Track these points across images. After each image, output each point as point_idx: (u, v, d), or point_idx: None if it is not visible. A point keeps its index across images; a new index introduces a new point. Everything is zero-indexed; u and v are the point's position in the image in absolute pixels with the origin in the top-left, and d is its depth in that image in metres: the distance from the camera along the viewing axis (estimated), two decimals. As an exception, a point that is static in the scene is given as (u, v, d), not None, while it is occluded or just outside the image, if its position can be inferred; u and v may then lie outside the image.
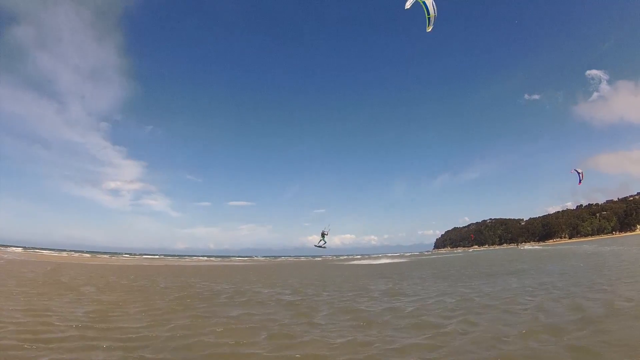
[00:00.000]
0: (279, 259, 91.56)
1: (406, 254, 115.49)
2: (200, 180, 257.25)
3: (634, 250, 26.08)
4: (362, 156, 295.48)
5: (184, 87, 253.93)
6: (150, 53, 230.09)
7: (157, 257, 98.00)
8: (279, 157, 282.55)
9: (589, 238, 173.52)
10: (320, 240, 29.16)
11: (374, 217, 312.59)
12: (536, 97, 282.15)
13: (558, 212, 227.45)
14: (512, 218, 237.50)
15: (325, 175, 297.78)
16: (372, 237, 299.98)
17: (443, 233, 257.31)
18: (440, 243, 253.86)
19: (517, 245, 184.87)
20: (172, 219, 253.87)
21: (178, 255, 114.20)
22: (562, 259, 23.48)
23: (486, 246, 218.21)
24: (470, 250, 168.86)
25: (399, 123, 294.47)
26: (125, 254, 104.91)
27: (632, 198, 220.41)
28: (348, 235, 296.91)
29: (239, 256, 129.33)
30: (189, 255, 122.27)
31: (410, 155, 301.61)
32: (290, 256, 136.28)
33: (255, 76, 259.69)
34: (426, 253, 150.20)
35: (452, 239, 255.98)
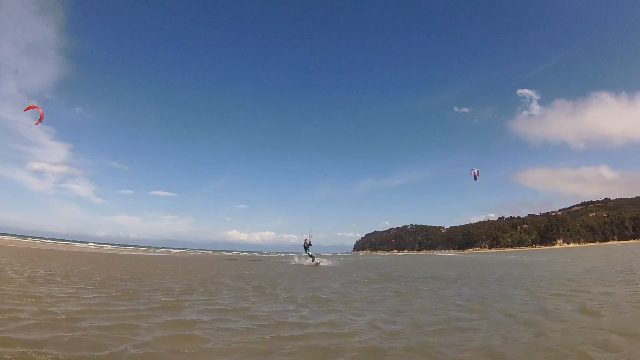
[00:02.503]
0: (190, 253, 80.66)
1: (338, 254, 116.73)
2: (125, 167, 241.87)
3: (563, 259, 29.34)
4: (287, 155, 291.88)
5: (119, 71, 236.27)
6: (90, 33, 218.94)
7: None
8: (205, 149, 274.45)
9: (509, 249, 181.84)
10: (308, 255, 26.66)
11: (295, 216, 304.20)
12: (465, 110, 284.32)
13: (479, 222, 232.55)
14: (434, 225, 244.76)
15: (249, 171, 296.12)
16: (292, 235, 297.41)
17: (363, 236, 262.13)
18: (360, 246, 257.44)
19: (434, 252, 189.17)
20: (94, 206, 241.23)
21: (95, 243, 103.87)
22: (503, 266, 23.83)
23: (405, 251, 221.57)
24: (401, 254, 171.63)
25: (327, 125, 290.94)
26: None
27: (554, 214, 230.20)
28: (268, 233, 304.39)
29: (147, 247, 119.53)
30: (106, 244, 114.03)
31: (335, 157, 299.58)
32: (209, 250, 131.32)
33: (190, 66, 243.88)
34: (346, 254, 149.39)
35: (372, 242, 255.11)
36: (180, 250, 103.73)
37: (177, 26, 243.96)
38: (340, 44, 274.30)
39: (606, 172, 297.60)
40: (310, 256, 25.63)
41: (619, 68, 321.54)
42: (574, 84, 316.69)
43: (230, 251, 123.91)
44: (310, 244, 25.75)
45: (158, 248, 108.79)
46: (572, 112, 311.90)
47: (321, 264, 24.33)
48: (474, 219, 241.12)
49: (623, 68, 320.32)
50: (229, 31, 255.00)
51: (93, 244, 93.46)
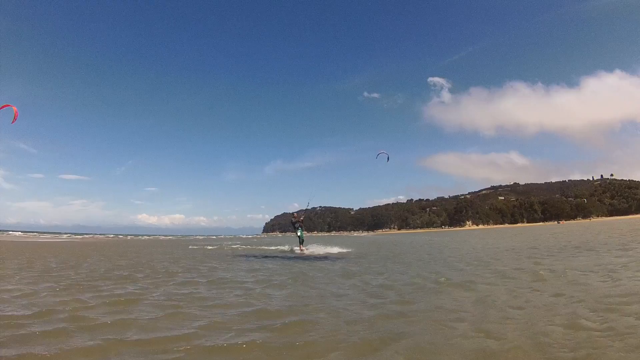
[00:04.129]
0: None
1: (244, 236, 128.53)
2: (35, 150, 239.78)
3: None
4: (196, 136, 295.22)
5: (27, 44, 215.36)
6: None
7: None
8: (114, 130, 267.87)
9: (418, 230, 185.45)
10: (298, 239, 21.87)
11: (204, 199, 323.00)
12: (376, 95, 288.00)
13: (389, 204, 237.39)
14: (342, 207, 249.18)
15: (159, 153, 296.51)
16: (202, 218, 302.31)
17: (273, 218, 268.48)
18: (269, 227, 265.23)
19: (350, 232, 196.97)
20: (3, 191, 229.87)
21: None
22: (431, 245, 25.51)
23: (315, 232, 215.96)
24: (308, 234, 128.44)
25: (236, 106, 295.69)
26: None
27: (463, 197, 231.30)
28: (178, 216, 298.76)
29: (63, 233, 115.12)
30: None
31: (245, 139, 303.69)
32: (120, 234, 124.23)
33: (99, 44, 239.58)
34: (257, 236, 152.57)
35: (282, 224, 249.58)
36: (96, 235, 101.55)
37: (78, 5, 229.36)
38: (251, 27, 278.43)
39: (516, 158, 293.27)
40: (299, 238, 20.83)
41: (536, 60, 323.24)
42: (489, 72, 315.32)
43: (142, 235, 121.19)
44: (301, 222, 20.78)
45: (80, 234, 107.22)
46: (487, 99, 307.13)
47: (306, 251, 20.17)
48: (384, 201, 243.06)
49: (540, 60, 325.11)
50: (136, 13, 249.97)
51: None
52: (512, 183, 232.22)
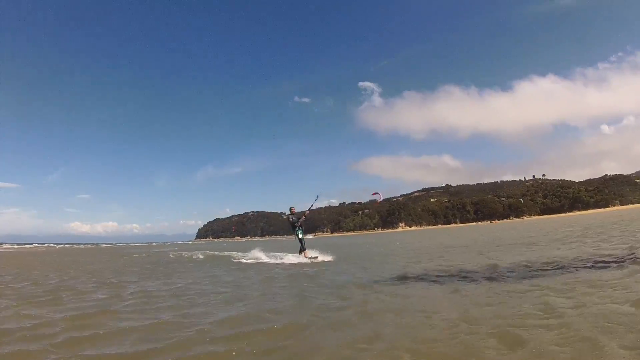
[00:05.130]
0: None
1: (181, 243, 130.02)
2: None
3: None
4: (127, 143, 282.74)
5: None
6: None
7: None
8: (44, 135, 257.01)
9: (351, 233, 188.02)
10: (300, 243, 16.70)
11: (137, 205, 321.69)
12: (306, 100, 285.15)
13: (321, 208, 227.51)
14: (275, 212, 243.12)
15: (90, 159, 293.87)
16: (135, 225, 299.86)
17: (205, 223, 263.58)
18: (203, 233, 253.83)
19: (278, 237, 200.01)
20: None
21: None
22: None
23: (248, 237, 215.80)
24: (245, 240, 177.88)
25: (165, 113, 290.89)
26: None
27: (395, 199, 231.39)
28: (111, 223, 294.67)
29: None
30: None
31: (175, 145, 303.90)
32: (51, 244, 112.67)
33: (26, 46, 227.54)
34: (189, 242, 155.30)
35: (214, 229, 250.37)
36: (35, 245, 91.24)
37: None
38: (180, 30, 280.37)
39: (449, 160, 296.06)
40: (300, 242, 16.43)
41: (469, 64, 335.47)
42: (423, 76, 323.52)
43: (81, 244, 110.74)
44: (301, 221, 16.83)
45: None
46: (420, 103, 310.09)
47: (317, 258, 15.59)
48: (318, 204, 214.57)
49: (474, 64, 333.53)
50: (60, 15, 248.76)
51: None
52: (444, 185, 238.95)
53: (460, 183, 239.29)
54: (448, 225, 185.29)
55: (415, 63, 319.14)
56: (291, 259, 15.88)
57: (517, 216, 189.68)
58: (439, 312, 4.79)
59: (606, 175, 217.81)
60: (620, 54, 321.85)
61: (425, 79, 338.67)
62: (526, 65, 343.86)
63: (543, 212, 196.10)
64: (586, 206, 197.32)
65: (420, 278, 8.06)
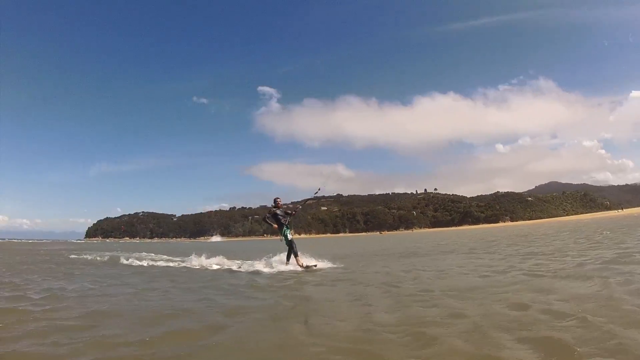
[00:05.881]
0: None
1: (75, 241, 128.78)
2: None
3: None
4: (18, 133, 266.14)
5: None
6: None
7: None
8: None
9: (240, 238, 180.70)
10: (291, 245, 12.80)
11: (27, 200, 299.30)
12: (204, 100, 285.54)
13: (212, 211, 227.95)
14: (165, 213, 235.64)
15: None
16: (25, 220, 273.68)
17: (95, 222, 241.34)
18: (92, 232, 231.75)
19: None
20: None
21: None
22: None
23: (137, 239, 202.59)
24: (137, 241, 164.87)
25: (60, 104, 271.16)
26: None
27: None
28: (1, 217, 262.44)
29: None
30: None
31: (67, 138, 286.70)
32: None
33: None
34: (81, 241, 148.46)
35: (104, 229, 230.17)
36: None
37: None
38: (76, 20, 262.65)
39: (342, 170, 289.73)
40: (290, 245, 12.61)
41: (371, 77, 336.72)
42: (324, 85, 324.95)
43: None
44: (289, 218, 13.23)
45: None
46: (320, 111, 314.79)
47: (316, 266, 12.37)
48: (207, 208, 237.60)
49: (376, 77, 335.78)
50: None
51: None
52: (335, 194, 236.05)
53: (352, 193, 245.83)
54: (337, 235, 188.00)
55: (317, 71, 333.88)
56: (280, 267, 12.53)
57: (406, 228, 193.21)
58: (343, 316, 5.31)
59: (498, 192, 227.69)
60: (521, 77, 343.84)
61: (327, 87, 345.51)
62: (428, 82, 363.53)
63: (433, 225, 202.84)
64: (476, 221, 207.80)
65: (319, 283, 8.70)
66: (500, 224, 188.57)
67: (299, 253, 12.33)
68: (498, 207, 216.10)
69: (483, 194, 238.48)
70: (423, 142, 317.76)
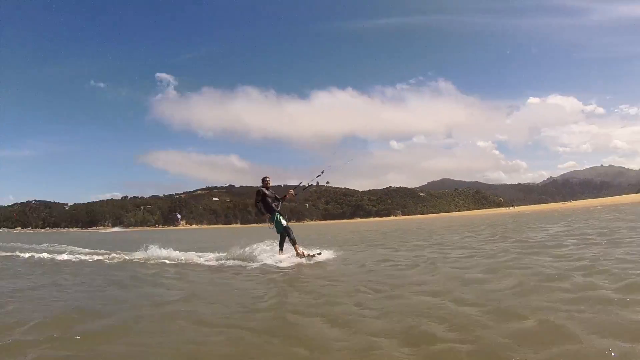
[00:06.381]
0: None
1: None
2: None
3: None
4: None
5: None
6: None
7: None
8: None
9: (132, 228, 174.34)
10: (286, 233, 10.80)
11: None
12: (102, 85, 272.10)
13: (104, 200, 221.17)
14: (57, 202, 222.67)
15: None
16: None
17: None
18: None
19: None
20: None
21: None
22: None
23: (30, 229, 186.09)
24: (31, 230, 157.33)
25: None
26: None
27: (178, 196, 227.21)
28: None
29: None
30: None
31: None
32: None
33: None
34: None
35: None
36: None
37: None
38: None
39: (236, 161, 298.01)
40: (285, 232, 10.56)
41: (270, 68, 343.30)
42: (224, 74, 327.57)
43: None
44: (280, 200, 11.26)
45: None
46: (218, 100, 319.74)
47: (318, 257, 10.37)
48: (100, 196, 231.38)
49: (274, 69, 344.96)
50: None
51: None
52: (227, 185, 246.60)
53: (245, 184, 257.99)
54: (229, 225, 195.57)
55: (217, 60, 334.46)
56: (280, 258, 10.30)
57: (298, 220, 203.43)
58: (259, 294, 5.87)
59: (390, 187, 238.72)
60: (420, 77, 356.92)
61: (226, 77, 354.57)
62: (327, 76, 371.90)
63: (324, 218, 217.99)
64: (368, 214, 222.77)
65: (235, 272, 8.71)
66: (392, 218, 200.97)
67: (281, 241, 10.81)
68: (390, 202, 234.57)
69: (375, 188, 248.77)
70: (318, 135, 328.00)
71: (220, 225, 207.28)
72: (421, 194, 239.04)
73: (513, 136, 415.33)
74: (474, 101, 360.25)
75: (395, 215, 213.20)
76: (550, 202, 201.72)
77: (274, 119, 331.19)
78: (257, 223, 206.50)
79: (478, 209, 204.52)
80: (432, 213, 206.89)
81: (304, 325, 4.06)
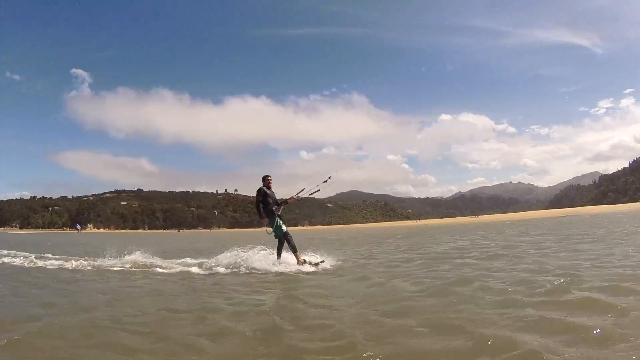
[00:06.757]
0: None
1: None
2: None
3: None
4: None
5: None
6: None
7: None
8: None
9: (40, 230, 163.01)
10: (285, 237, 9.67)
11: None
12: (17, 77, 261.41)
13: (12, 199, 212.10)
14: None
15: None
16: None
17: None
18: None
19: None
20: None
21: None
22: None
23: None
24: None
25: None
26: None
27: (87, 198, 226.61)
28: None
29: None
30: None
31: None
32: None
33: None
34: None
35: None
36: None
37: None
38: None
39: (146, 164, 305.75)
40: (285, 238, 9.49)
41: (186, 72, 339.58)
42: (140, 75, 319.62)
43: None
44: (280, 204, 10.07)
45: None
46: (133, 101, 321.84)
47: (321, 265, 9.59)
48: (10, 195, 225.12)
49: (193, 74, 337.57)
50: None
51: None
52: (136, 189, 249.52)
53: (154, 189, 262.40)
54: (136, 231, 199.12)
55: (134, 60, 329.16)
56: (282, 265, 9.84)
57: (205, 227, 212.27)
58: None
59: (298, 196, 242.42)
60: (334, 89, 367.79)
61: (142, 77, 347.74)
62: (242, 83, 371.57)
63: (232, 226, 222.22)
64: None
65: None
66: (300, 228, 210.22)
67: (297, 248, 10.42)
68: (298, 212, 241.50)
69: (283, 197, 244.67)
70: (229, 142, 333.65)
71: (128, 230, 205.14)
72: (329, 205, 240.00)
73: (423, 151, 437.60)
74: (387, 115, 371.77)
75: (303, 226, 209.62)
76: (458, 216, 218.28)
77: (186, 123, 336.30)
78: (164, 229, 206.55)
79: (386, 221, 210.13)
80: (340, 224, 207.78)
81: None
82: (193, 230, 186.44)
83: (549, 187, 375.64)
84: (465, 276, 6.56)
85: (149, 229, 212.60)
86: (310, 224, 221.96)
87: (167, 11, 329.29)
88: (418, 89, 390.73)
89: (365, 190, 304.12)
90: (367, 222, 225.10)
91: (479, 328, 3.71)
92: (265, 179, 10.16)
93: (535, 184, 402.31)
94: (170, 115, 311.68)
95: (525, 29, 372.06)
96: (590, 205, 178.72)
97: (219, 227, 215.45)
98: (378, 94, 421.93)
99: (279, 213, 9.93)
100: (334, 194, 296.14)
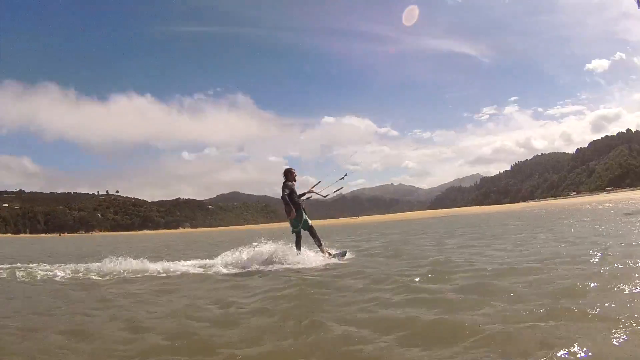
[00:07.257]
0: None
1: None
2: None
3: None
4: None
5: None
6: None
7: None
8: None
9: None
10: (308, 231, 9.46)
11: None
12: None
13: None
14: None
15: None
16: None
17: None
18: None
19: None
20: None
21: None
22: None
23: None
24: None
25: None
26: None
27: None
28: None
29: None
30: None
31: None
32: None
33: None
34: None
35: None
36: None
37: None
38: None
39: (28, 164, 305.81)
40: (310, 232, 9.30)
41: (75, 66, 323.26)
42: (27, 67, 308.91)
43: None
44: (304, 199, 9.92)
45: None
46: (19, 95, 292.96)
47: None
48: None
49: (80, 67, 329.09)
50: None
51: None
52: (18, 190, 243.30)
53: (35, 190, 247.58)
54: (18, 235, 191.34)
55: (19, 52, 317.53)
56: (312, 260, 9.19)
57: (87, 230, 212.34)
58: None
59: (179, 198, 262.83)
60: (219, 89, 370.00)
61: (29, 70, 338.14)
62: (127, 80, 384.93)
63: (113, 229, 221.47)
64: (157, 226, 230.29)
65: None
66: (180, 230, 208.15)
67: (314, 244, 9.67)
68: (179, 214, 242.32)
69: (165, 199, 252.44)
70: (112, 141, 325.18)
71: (9, 235, 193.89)
72: (210, 206, 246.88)
73: (305, 152, 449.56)
74: (270, 117, 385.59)
75: (184, 228, 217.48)
76: (339, 217, 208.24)
77: (71, 120, 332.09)
78: (45, 233, 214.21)
79: (267, 223, 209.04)
80: (221, 226, 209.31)
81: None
82: (74, 234, 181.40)
83: (430, 188, 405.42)
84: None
85: (31, 232, 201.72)
86: (192, 226, 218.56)
87: (53, 3, 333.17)
88: (303, 91, 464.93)
89: (246, 192, 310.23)
90: (247, 223, 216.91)
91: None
92: (291, 173, 9.84)
93: (416, 186, 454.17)
94: (56, 112, 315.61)
95: (417, 37, 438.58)
96: (471, 205, 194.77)
97: (101, 231, 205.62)
98: (263, 95, 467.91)
99: (304, 206, 9.68)
100: (215, 195, 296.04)
